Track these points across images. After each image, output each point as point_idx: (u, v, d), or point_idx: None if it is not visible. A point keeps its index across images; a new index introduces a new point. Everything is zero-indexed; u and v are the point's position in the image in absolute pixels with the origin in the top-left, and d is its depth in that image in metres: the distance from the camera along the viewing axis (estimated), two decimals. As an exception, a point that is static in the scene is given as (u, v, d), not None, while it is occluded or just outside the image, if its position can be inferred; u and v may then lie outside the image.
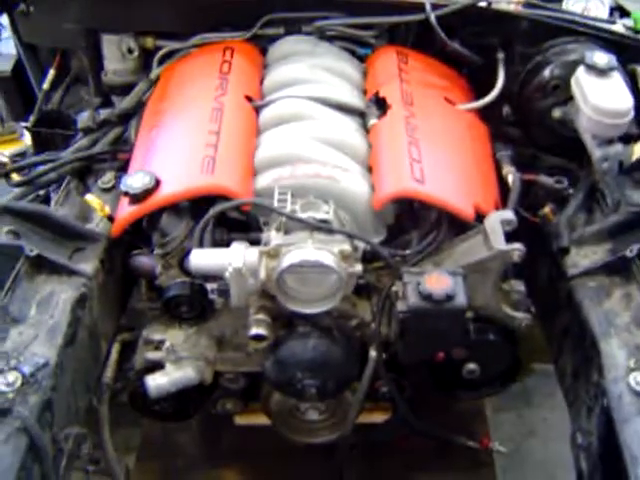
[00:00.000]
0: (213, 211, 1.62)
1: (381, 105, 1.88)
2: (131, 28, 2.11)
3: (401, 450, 2.35)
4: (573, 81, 1.80)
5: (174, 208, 1.71)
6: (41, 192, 1.94)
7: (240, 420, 2.19)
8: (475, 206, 1.68)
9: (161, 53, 2.12)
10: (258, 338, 1.67)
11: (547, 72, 1.90)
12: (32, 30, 2.18)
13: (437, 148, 1.78)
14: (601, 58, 1.77)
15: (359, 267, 1.59)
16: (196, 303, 1.70)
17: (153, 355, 1.81)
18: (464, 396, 1.96)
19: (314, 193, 1.64)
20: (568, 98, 1.84)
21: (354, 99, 1.91)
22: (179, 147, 1.78)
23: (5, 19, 2.26)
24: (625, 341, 1.52)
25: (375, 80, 1.97)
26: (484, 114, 2.00)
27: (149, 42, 2.13)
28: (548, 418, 2.56)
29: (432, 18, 1.90)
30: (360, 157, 1.77)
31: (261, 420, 2.11)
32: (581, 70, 1.78)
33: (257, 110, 1.89)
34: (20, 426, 1.34)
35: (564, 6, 2.10)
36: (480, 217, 1.66)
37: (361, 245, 1.63)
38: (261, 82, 1.99)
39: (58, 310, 1.56)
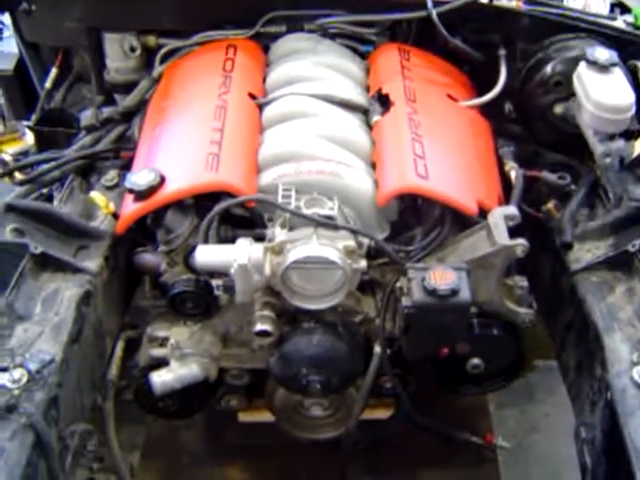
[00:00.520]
0: (218, 208, 1.63)
1: (384, 102, 1.88)
2: (133, 26, 2.11)
3: (404, 446, 2.35)
4: (575, 77, 1.80)
5: (179, 205, 1.72)
6: (44, 190, 1.95)
7: (244, 417, 2.20)
8: (478, 202, 1.69)
9: (163, 51, 2.13)
10: (263, 334, 1.68)
11: (549, 68, 1.90)
12: (34, 29, 2.18)
13: (440, 144, 1.79)
14: (602, 54, 1.77)
15: (363, 263, 1.60)
16: (201, 300, 1.71)
17: (158, 352, 1.82)
18: (468, 391, 1.96)
19: (318, 189, 1.65)
20: (570, 94, 1.85)
21: (357, 96, 1.91)
22: (183, 144, 1.78)
23: (7, 18, 2.26)
24: (628, 335, 1.53)
25: (378, 77, 1.98)
26: (486, 111, 2.01)
27: (151, 40, 2.14)
28: (551, 414, 2.56)
29: (434, 15, 1.91)
30: (364, 154, 1.77)
31: (265, 417, 2.12)
32: (583, 66, 1.78)
33: (260, 107, 1.89)
34: (26, 422, 1.35)
35: (565, 3, 2.10)
36: (483, 213, 1.66)
37: (365, 241, 1.63)
38: (264, 80, 1.99)
39: (63, 307, 1.56)
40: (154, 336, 1.83)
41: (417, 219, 1.75)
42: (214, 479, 2.41)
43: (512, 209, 1.63)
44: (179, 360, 1.79)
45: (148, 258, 1.75)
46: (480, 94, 2.01)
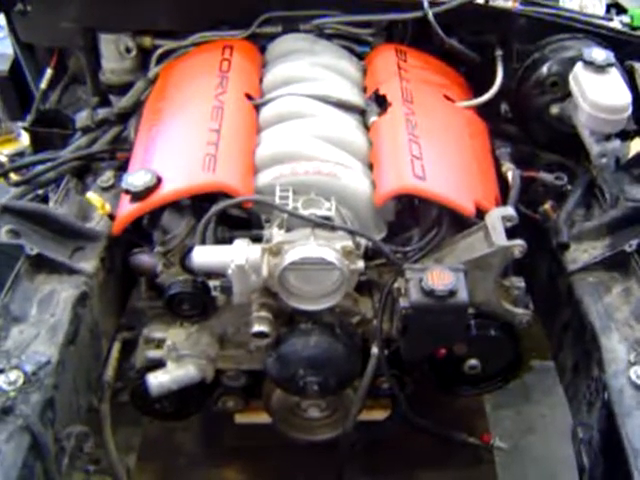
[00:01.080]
0: (215, 209, 1.62)
1: (381, 102, 1.88)
2: (129, 27, 2.11)
3: (401, 447, 2.35)
4: (571, 77, 1.80)
5: (175, 206, 1.71)
6: (39, 192, 1.94)
7: (241, 419, 2.19)
8: (476, 202, 1.69)
9: (159, 52, 2.12)
10: (260, 335, 1.68)
11: (545, 69, 1.90)
12: (29, 29, 2.17)
13: (437, 145, 1.79)
14: (599, 54, 1.77)
15: (361, 264, 1.60)
16: (198, 301, 1.70)
17: (154, 353, 1.81)
18: (465, 392, 1.96)
19: (315, 190, 1.65)
20: (566, 95, 1.85)
21: (354, 97, 1.91)
22: (180, 145, 1.78)
23: (2, 18, 2.25)
24: (625, 335, 1.53)
25: (375, 78, 1.98)
26: (483, 111, 2.01)
27: (147, 41, 2.13)
28: (547, 414, 2.56)
29: (430, 15, 1.91)
30: (361, 154, 1.77)
31: (262, 418, 2.11)
32: (579, 66, 1.78)
33: (257, 108, 1.89)
34: (22, 424, 1.35)
35: (561, 3, 2.11)
36: (481, 213, 1.66)
37: (363, 242, 1.63)
38: (261, 80, 1.99)
39: (59, 309, 1.56)
40: (150, 337, 1.82)
41: (414, 220, 1.75)
42: (211, 481, 2.41)
43: (509, 210, 1.63)
44: (175, 361, 1.78)
45: (144, 259, 1.74)
46: (477, 95, 2.01)
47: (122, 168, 1.89)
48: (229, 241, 1.63)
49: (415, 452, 2.36)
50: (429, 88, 1.97)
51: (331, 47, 2.06)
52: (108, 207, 1.75)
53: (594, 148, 1.77)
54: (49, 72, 2.24)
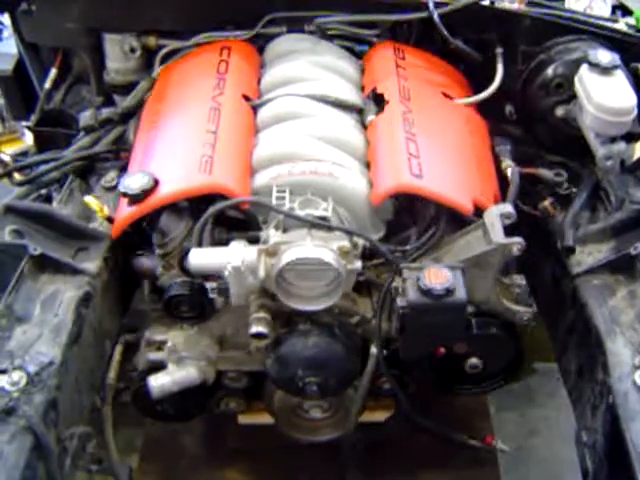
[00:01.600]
0: (211, 210, 1.62)
1: (379, 101, 1.87)
2: (133, 27, 2.11)
3: (403, 448, 2.35)
4: (577, 79, 1.79)
5: (173, 208, 1.70)
6: (43, 191, 1.94)
7: (243, 419, 2.19)
8: (474, 200, 1.68)
9: (163, 52, 2.12)
10: (259, 336, 1.67)
11: (550, 70, 1.89)
12: (34, 29, 2.17)
13: (435, 143, 1.78)
14: (604, 56, 1.77)
15: (359, 264, 1.59)
16: (196, 303, 1.70)
17: (155, 356, 1.81)
18: (467, 392, 1.95)
19: (312, 190, 1.64)
20: (571, 96, 1.84)
21: (351, 96, 1.90)
22: (177, 147, 1.77)
23: (7, 18, 2.25)
24: (630, 339, 1.52)
25: (372, 76, 1.97)
26: (486, 111, 2.00)
27: (151, 41, 2.13)
28: (550, 417, 2.55)
29: (435, 16, 1.90)
30: (358, 153, 1.76)
31: (264, 419, 2.11)
32: (585, 68, 1.78)
33: (255, 109, 1.89)
34: (25, 425, 1.35)
35: (567, 5, 2.10)
36: (479, 211, 1.65)
37: (360, 242, 1.62)
38: (258, 81, 1.98)
39: (62, 309, 1.56)
40: (152, 340, 1.82)
41: (412, 219, 1.74)
42: (213, 482, 2.41)
43: (508, 207, 1.62)
44: (176, 363, 1.78)
45: (145, 262, 1.74)
46: (478, 93, 2.00)
47: (126, 168, 1.88)
48: (226, 242, 1.63)
49: (417, 453, 2.35)
50: (427, 86, 1.95)
51: (329, 46, 2.04)
52: (106, 210, 1.75)
53: (599, 150, 1.76)
54: (53, 72, 2.24)
